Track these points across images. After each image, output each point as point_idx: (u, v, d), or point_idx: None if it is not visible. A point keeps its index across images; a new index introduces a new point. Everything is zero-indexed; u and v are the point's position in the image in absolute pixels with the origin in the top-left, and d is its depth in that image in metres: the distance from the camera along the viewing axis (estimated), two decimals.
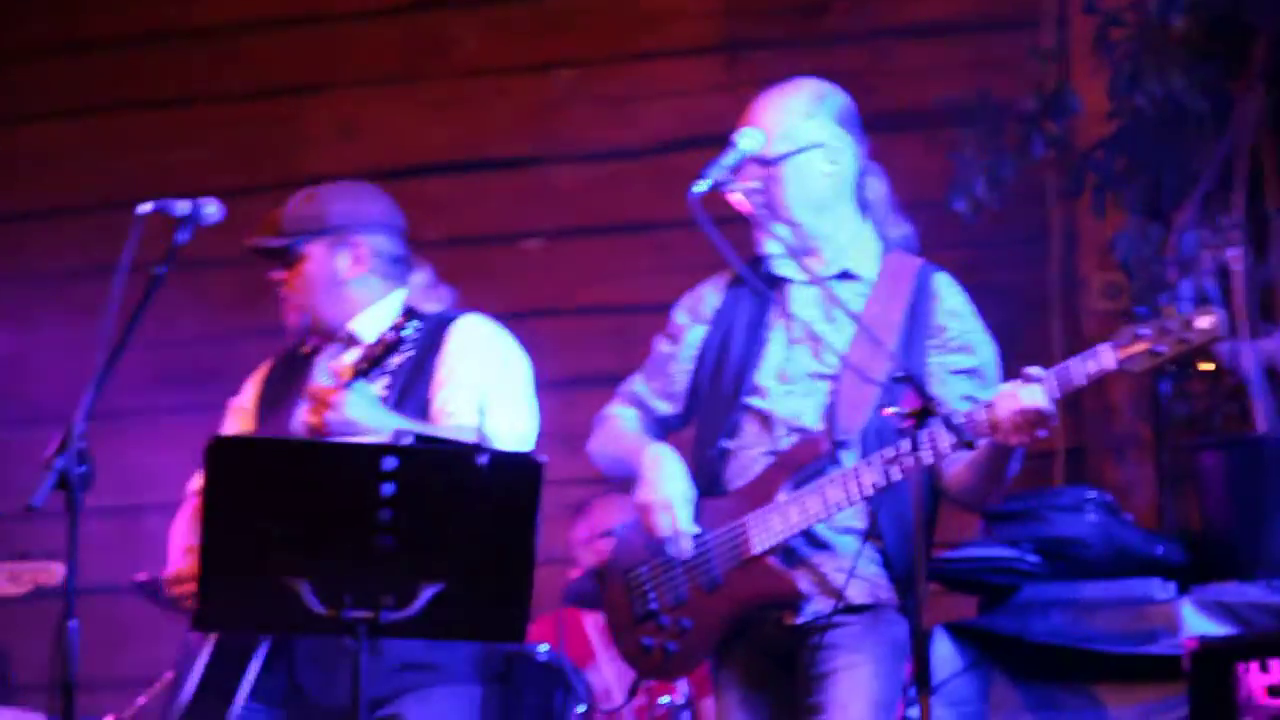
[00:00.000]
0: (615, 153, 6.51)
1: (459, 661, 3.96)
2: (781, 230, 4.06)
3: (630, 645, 4.11)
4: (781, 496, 3.97)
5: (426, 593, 3.38)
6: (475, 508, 3.41)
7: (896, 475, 3.85)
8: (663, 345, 4.24)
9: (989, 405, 3.80)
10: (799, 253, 4.06)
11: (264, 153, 6.73)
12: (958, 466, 3.93)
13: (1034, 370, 3.78)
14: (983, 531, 4.79)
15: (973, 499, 4.07)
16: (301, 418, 3.93)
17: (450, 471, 3.41)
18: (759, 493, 4.00)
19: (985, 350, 4.10)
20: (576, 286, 6.43)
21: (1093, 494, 4.80)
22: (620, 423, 4.22)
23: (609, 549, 5.73)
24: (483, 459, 3.43)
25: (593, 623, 5.63)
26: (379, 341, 3.83)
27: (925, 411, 3.64)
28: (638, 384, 4.25)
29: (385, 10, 6.80)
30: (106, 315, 3.59)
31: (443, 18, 6.74)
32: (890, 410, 3.69)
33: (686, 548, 4.01)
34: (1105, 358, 3.75)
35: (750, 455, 4.06)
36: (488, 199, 6.55)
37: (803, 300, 4.11)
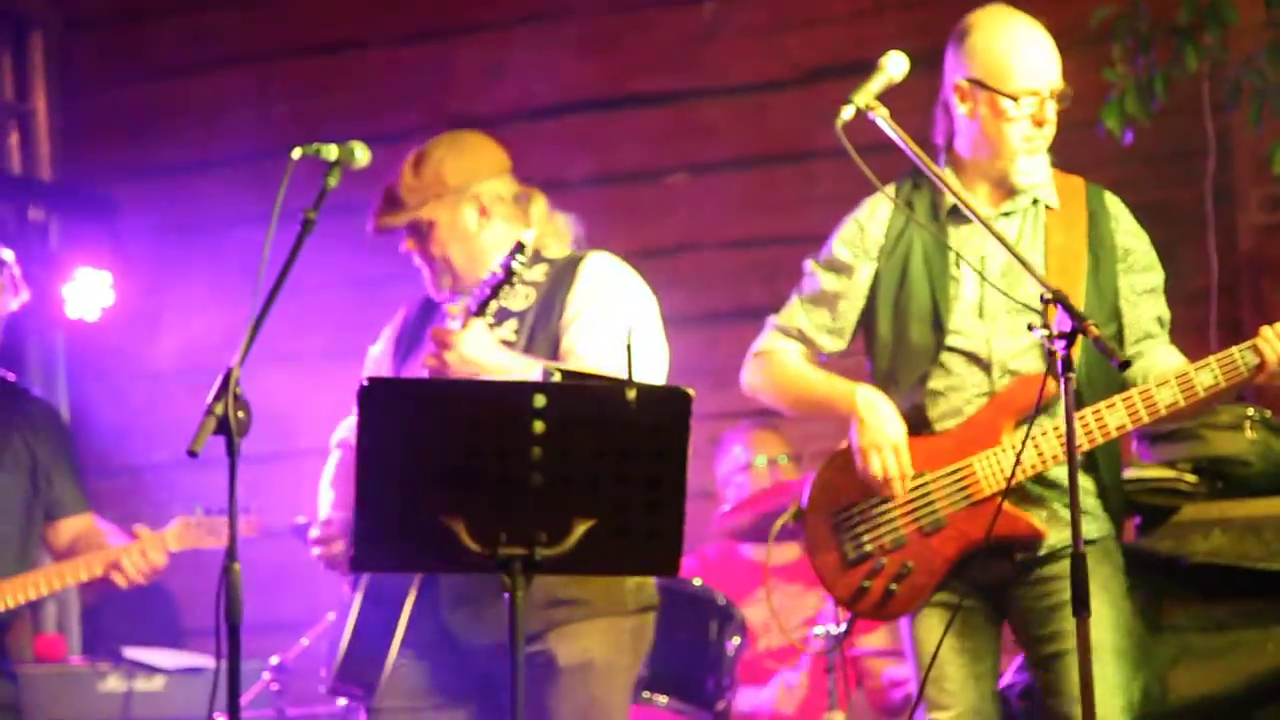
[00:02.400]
0: (762, 85, 6.47)
1: (607, 596, 3.98)
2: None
3: (846, 587, 4.11)
4: (1006, 438, 3.97)
5: (579, 529, 3.39)
6: (625, 442, 3.40)
7: (1140, 418, 3.86)
8: (828, 282, 4.18)
9: (1252, 348, 3.81)
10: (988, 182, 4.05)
11: (413, 96, 6.78)
12: None
13: None
14: (1140, 452, 4.73)
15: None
16: (421, 361, 3.96)
17: (600, 407, 3.41)
18: (981, 434, 4.00)
19: (1160, 267, 4.11)
20: (722, 221, 6.40)
21: (1251, 410, 4.72)
22: (790, 357, 4.20)
23: (752, 483, 5.75)
24: (632, 393, 3.44)
25: (750, 556, 5.66)
26: (487, 281, 3.86)
27: (1076, 332, 3.57)
28: (798, 318, 4.20)
29: None
30: (262, 261, 3.63)
31: None
32: (1042, 332, 3.60)
33: (907, 489, 4.01)
34: None
35: (962, 396, 4.05)
36: (633, 135, 6.54)
37: (983, 233, 4.04)
